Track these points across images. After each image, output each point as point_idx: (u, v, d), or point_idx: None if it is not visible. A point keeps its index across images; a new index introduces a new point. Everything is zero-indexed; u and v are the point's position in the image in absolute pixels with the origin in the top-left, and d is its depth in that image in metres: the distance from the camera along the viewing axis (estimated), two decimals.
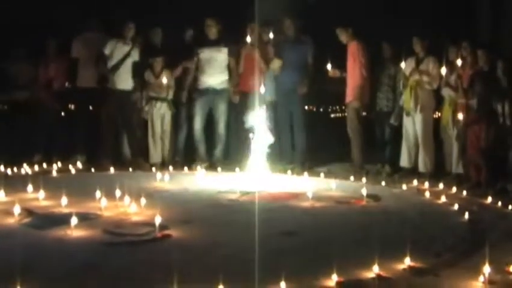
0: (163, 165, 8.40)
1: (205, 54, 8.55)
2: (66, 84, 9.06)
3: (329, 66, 8.44)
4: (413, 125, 8.04)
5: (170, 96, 8.60)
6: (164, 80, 8.45)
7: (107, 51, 8.27)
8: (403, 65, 8.00)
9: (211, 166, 8.47)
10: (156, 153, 8.60)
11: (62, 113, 9.19)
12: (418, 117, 7.95)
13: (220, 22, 8.57)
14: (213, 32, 8.55)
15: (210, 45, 8.56)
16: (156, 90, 8.54)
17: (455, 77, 7.59)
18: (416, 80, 7.90)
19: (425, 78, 7.86)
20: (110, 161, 8.24)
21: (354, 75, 8.31)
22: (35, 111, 8.70)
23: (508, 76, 6.89)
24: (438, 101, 8.07)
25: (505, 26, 9.16)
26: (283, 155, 8.68)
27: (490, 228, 4.97)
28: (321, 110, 14.20)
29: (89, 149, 8.63)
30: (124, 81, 8.36)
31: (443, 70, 7.57)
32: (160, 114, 8.60)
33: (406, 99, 7.98)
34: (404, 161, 8.18)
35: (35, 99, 8.76)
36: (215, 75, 8.56)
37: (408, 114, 8.00)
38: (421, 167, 7.99)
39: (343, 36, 8.38)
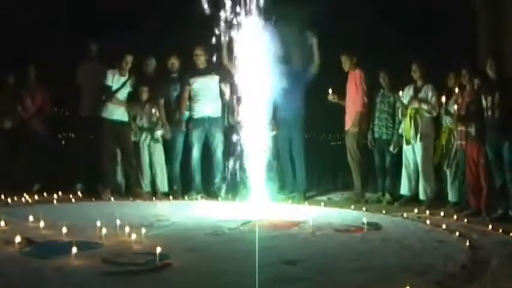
0: (154, 195, 8.40)
1: (197, 83, 8.60)
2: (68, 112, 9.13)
3: (330, 90, 8.50)
4: (413, 153, 8.06)
5: (158, 128, 8.60)
6: (152, 110, 8.50)
7: (110, 83, 8.32)
8: (401, 93, 8.06)
9: (212, 195, 8.47)
10: (144, 182, 8.61)
11: (63, 142, 9.24)
12: (418, 146, 7.96)
13: (208, 51, 8.64)
14: (202, 61, 8.61)
15: (201, 74, 8.61)
16: (142, 119, 8.58)
17: (458, 104, 7.61)
18: (415, 108, 7.93)
19: (424, 107, 7.90)
20: (109, 190, 8.25)
21: (355, 102, 8.37)
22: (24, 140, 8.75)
23: (496, 71, 6.89)
24: (437, 128, 8.11)
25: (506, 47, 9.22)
26: (284, 184, 8.69)
27: (491, 255, 4.95)
28: (322, 137, 14.24)
29: (89, 178, 8.62)
30: (119, 111, 8.43)
31: (443, 98, 7.62)
32: (146, 144, 8.62)
33: (406, 128, 8.00)
34: (404, 189, 8.18)
35: (25, 128, 8.82)
36: (209, 103, 8.60)
37: (408, 142, 8.01)
38: (422, 195, 7.99)
39: (346, 64, 8.46)
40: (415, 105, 7.92)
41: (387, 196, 8.33)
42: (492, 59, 6.96)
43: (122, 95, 8.42)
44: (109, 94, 8.33)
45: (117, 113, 8.40)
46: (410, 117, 7.96)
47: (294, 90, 8.49)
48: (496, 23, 9.67)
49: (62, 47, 9.49)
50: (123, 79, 8.42)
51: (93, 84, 8.63)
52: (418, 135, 7.93)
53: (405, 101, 8.05)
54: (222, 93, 8.67)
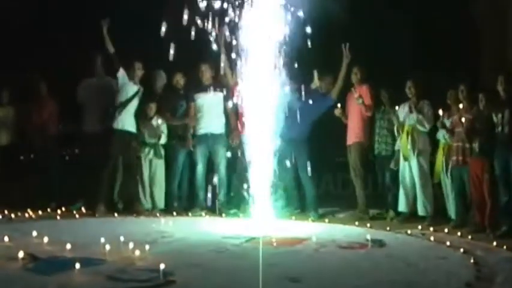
0: (152, 212, 8.37)
1: (201, 100, 8.63)
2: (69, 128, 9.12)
3: (339, 105, 8.48)
4: (409, 170, 8.04)
5: (163, 141, 8.59)
6: (155, 122, 8.52)
7: (120, 79, 8.30)
8: (397, 107, 8.06)
9: (216, 211, 8.46)
10: (145, 198, 8.55)
11: (66, 157, 9.23)
12: (415, 162, 7.96)
13: (213, 67, 8.67)
14: (207, 77, 8.64)
15: (205, 90, 8.64)
16: (147, 134, 8.57)
17: (453, 120, 7.63)
18: (412, 124, 7.94)
19: (420, 117, 7.87)
20: (102, 205, 8.21)
21: (361, 116, 8.37)
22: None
23: (506, 89, 6.91)
24: (434, 144, 8.11)
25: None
26: (289, 200, 8.64)
27: (496, 272, 4.93)
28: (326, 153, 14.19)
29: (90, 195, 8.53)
30: (129, 122, 8.39)
31: (441, 112, 7.64)
32: (148, 160, 8.60)
33: (403, 144, 8.01)
34: (402, 206, 8.15)
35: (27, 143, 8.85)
36: (213, 120, 8.62)
37: (406, 159, 8.01)
38: (421, 211, 7.96)
39: (358, 76, 8.45)
40: (412, 121, 7.92)
41: (391, 213, 8.31)
42: (502, 76, 6.99)
43: (133, 106, 8.39)
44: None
45: (128, 123, 8.35)
46: (408, 134, 7.97)
47: (307, 116, 8.36)
48: (500, 34, 9.71)
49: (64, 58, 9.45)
50: (135, 88, 8.41)
51: (96, 100, 8.66)
52: (416, 151, 7.93)
53: (401, 118, 8.07)
54: (226, 110, 8.68)
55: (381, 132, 8.41)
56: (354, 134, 8.51)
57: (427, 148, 8.05)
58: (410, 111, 8.00)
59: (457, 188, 7.58)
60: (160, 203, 8.60)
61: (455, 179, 7.59)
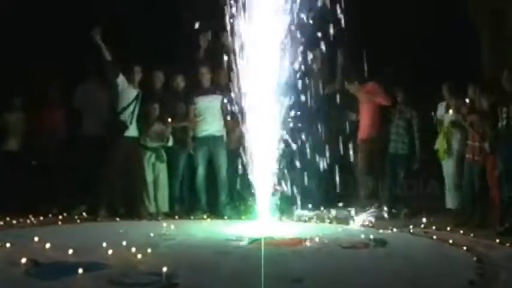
0: (157, 215, 8.33)
1: (201, 103, 8.64)
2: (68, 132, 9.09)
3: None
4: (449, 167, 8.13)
5: (170, 143, 8.56)
6: (158, 126, 8.49)
7: (119, 85, 8.23)
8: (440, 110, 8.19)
9: (218, 214, 8.44)
10: (149, 202, 8.50)
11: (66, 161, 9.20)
12: (450, 160, 8.05)
13: (213, 70, 8.67)
14: (207, 79, 8.65)
15: (205, 93, 8.65)
16: (150, 138, 8.56)
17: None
18: (448, 124, 7.98)
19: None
20: (104, 209, 8.19)
21: (371, 113, 8.47)
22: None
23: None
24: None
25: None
26: (293, 200, 8.59)
27: (499, 269, 4.93)
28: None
29: (91, 198, 8.49)
30: (132, 128, 8.33)
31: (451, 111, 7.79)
32: (151, 163, 8.58)
33: (440, 145, 8.04)
34: (449, 203, 8.20)
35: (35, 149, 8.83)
36: (214, 122, 8.63)
37: (443, 158, 8.08)
38: (449, 204, 8.09)
39: (353, 88, 8.56)
40: (450, 116, 7.99)
41: (405, 210, 8.35)
42: (508, 72, 7.03)
43: (136, 110, 8.32)
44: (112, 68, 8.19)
45: (132, 128, 8.30)
46: (444, 134, 8.02)
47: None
48: (498, 39, 9.74)
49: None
50: (135, 92, 8.36)
51: (94, 105, 8.66)
52: (451, 152, 8.01)
53: (439, 116, 8.20)
54: (223, 112, 8.68)
55: (398, 131, 8.46)
56: (363, 131, 8.59)
57: (461, 147, 8.04)
58: (446, 112, 8.05)
59: (466, 184, 7.58)
60: (164, 206, 8.57)
61: (466, 175, 7.61)
